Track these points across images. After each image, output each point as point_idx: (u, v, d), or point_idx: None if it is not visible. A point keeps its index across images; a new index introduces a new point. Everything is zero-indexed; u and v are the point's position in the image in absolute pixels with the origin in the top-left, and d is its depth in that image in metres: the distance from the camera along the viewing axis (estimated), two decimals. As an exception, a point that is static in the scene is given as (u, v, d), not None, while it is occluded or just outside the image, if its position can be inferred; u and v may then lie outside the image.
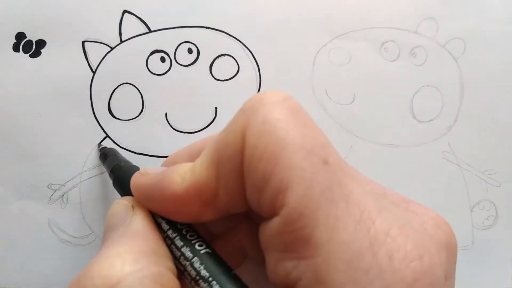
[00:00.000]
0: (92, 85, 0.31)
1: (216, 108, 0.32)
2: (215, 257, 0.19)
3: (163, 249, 0.19)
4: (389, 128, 0.33)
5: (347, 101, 0.33)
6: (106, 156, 0.28)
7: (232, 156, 0.18)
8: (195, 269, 0.18)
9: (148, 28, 0.31)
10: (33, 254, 0.30)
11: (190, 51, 0.31)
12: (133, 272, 0.17)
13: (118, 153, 0.28)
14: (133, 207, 0.21)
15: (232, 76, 0.32)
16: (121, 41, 0.31)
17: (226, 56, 0.32)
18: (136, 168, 0.24)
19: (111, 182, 0.30)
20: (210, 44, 0.32)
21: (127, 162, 0.26)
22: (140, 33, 0.31)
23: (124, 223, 0.20)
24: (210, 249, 0.19)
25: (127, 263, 0.17)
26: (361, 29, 0.33)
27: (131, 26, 0.31)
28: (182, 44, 0.31)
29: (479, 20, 0.34)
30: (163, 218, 0.20)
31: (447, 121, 0.34)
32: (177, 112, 0.31)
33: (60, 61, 0.30)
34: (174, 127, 0.31)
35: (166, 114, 0.31)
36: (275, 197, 0.16)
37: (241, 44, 0.32)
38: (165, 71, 0.31)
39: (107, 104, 0.31)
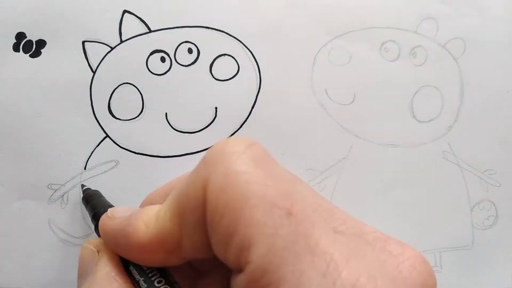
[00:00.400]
0: (92, 85, 0.31)
1: (216, 108, 0.32)
2: None
3: None
4: (389, 128, 0.33)
5: (347, 101, 0.33)
6: (89, 200, 0.28)
7: (194, 209, 0.18)
8: None
9: (148, 28, 0.31)
10: (33, 254, 0.30)
11: (190, 51, 0.31)
12: None
13: (102, 197, 0.28)
14: (98, 252, 0.21)
15: (232, 76, 0.32)
16: (121, 41, 0.31)
17: (226, 56, 0.32)
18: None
19: (111, 182, 0.30)
20: (210, 44, 0.32)
21: (109, 207, 0.26)
22: (140, 33, 0.31)
23: (92, 271, 0.21)
24: None
25: None
26: (361, 29, 0.33)
27: (131, 26, 0.31)
28: (182, 44, 0.31)
29: (479, 20, 0.34)
30: (130, 262, 0.21)
31: (447, 121, 0.34)
32: (177, 112, 0.31)
33: (60, 61, 0.30)
34: (174, 127, 0.31)
35: (166, 114, 0.31)
36: (239, 253, 0.16)
37: (241, 44, 0.32)
38: (165, 71, 0.31)
39: (107, 104, 0.31)
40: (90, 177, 0.31)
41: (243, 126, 0.32)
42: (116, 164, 0.31)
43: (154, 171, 0.31)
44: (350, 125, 0.33)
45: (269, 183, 0.17)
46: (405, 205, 0.34)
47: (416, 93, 0.33)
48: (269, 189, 0.17)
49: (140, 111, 0.31)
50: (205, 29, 0.32)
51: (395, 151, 0.33)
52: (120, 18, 0.31)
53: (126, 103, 0.31)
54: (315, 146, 0.33)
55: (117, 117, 0.31)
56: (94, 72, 0.31)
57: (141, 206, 0.24)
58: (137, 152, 0.31)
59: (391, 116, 0.33)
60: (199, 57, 0.32)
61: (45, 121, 0.30)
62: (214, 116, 0.32)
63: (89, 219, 0.31)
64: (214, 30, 0.32)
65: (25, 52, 0.30)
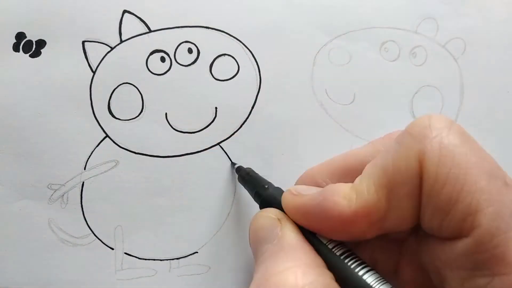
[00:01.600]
0: (92, 85, 0.31)
1: (216, 108, 0.32)
2: (369, 268, 0.20)
3: (320, 260, 0.20)
4: (389, 128, 0.33)
5: (347, 101, 0.33)
6: (246, 178, 0.29)
7: (407, 182, 0.19)
8: (358, 279, 0.19)
9: (148, 28, 0.31)
10: (33, 254, 0.30)
11: (190, 51, 0.31)
12: (307, 285, 0.18)
13: (257, 174, 0.29)
14: (279, 220, 0.22)
15: (232, 76, 0.32)
16: (121, 41, 0.31)
17: (226, 56, 0.32)
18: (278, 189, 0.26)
19: (111, 182, 0.30)
20: (210, 44, 0.32)
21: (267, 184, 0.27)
22: (140, 33, 0.31)
23: (276, 237, 0.21)
24: (362, 261, 0.20)
25: (299, 277, 0.18)
26: (361, 29, 0.33)
27: (131, 26, 0.31)
28: (182, 44, 0.31)
29: (479, 20, 0.34)
30: (315, 234, 0.21)
31: (447, 121, 0.34)
32: (177, 112, 0.31)
33: (60, 61, 0.30)
34: (174, 127, 0.31)
35: (166, 114, 0.31)
36: (463, 220, 0.18)
37: (241, 44, 0.32)
38: (165, 71, 0.31)
39: (107, 104, 0.31)
40: (90, 177, 0.31)
41: (243, 126, 0.32)
42: (116, 164, 0.31)
43: (154, 171, 0.31)
44: (350, 125, 0.33)
45: (482, 156, 0.18)
46: (405, 205, 0.34)
47: (416, 93, 0.33)
48: (485, 161, 0.18)
49: (140, 111, 0.31)
50: (205, 29, 0.32)
51: (395, 151, 0.33)
52: (120, 18, 0.31)
53: (126, 103, 0.31)
54: (315, 146, 0.33)
55: (117, 117, 0.31)
56: (94, 72, 0.31)
57: (299, 182, 0.25)
58: (137, 152, 0.31)
59: (391, 116, 0.33)
60: (199, 57, 0.32)
61: (45, 121, 0.30)
62: (214, 116, 0.32)
63: (89, 219, 0.31)
64: (214, 30, 0.32)
65: (25, 52, 0.30)
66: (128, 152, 0.31)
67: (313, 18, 0.32)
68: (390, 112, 0.33)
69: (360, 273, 0.19)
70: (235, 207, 0.32)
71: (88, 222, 0.31)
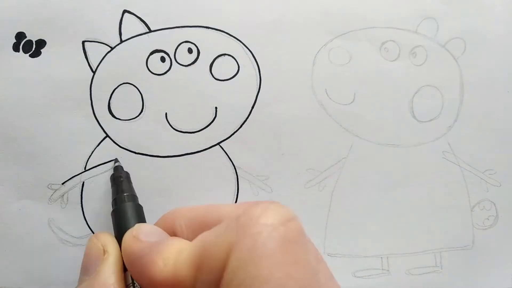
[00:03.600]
0: (92, 85, 0.31)
1: (216, 108, 0.32)
2: None
3: None
4: (389, 128, 0.33)
5: (347, 101, 0.33)
6: (116, 181, 0.29)
7: (213, 268, 0.18)
8: None
9: (148, 28, 0.31)
10: (33, 254, 0.30)
11: (190, 51, 0.31)
12: None
13: (130, 182, 0.29)
14: (104, 251, 0.22)
15: (232, 76, 0.32)
16: (121, 41, 0.31)
17: (226, 56, 0.32)
18: (138, 209, 0.26)
19: (110, 182, 0.30)
20: (210, 44, 0.32)
21: (132, 198, 0.27)
22: (140, 33, 0.31)
23: (94, 270, 0.22)
24: None
25: None
26: (361, 29, 0.33)
27: (131, 26, 0.31)
28: (182, 44, 0.31)
29: (479, 20, 0.34)
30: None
31: (447, 121, 0.34)
32: (177, 112, 0.31)
33: (60, 61, 0.30)
34: (174, 127, 0.31)
35: (166, 114, 0.31)
36: None
37: (241, 44, 0.32)
38: (165, 71, 0.31)
39: (107, 104, 0.31)
40: (90, 177, 0.31)
41: (243, 126, 0.32)
42: (116, 164, 0.31)
43: (154, 171, 0.31)
44: (350, 125, 0.33)
45: (292, 273, 0.16)
46: (405, 205, 0.34)
47: (416, 93, 0.33)
48: (290, 281, 0.16)
49: (140, 111, 0.31)
50: (205, 29, 0.32)
51: (395, 151, 0.33)
52: (120, 18, 0.31)
53: (126, 103, 0.31)
54: (315, 146, 0.33)
55: (117, 117, 0.31)
56: (94, 72, 0.31)
57: (160, 221, 0.25)
58: (137, 152, 0.31)
59: (391, 116, 0.33)
60: (199, 57, 0.32)
61: (45, 121, 0.30)
62: (214, 116, 0.32)
63: (89, 219, 0.31)
64: (214, 30, 0.32)
65: (25, 52, 0.30)
66: (128, 152, 0.31)
67: (313, 18, 0.32)
68: (390, 112, 0.33)
69: None
70: (235, 207, 0.32)
71: (88, 222, 0.31)
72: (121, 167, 0.30)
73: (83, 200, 0.31)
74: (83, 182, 0.31)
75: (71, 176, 0.31)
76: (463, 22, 0.34)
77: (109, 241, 0.23)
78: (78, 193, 0.31)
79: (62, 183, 0.30)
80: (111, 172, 0.30)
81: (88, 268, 0.22)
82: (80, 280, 0.22)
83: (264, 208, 0.18)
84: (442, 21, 0.33)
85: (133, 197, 0.27)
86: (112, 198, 0.27)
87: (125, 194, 0.27)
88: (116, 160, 0.30)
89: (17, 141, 0.30)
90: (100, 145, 0.31)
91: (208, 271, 0.18)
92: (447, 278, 0.34)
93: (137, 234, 0.22)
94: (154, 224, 0.24)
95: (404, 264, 0.34)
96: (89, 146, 0.31)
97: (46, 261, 0.30)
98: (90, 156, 0.31)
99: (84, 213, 0.31)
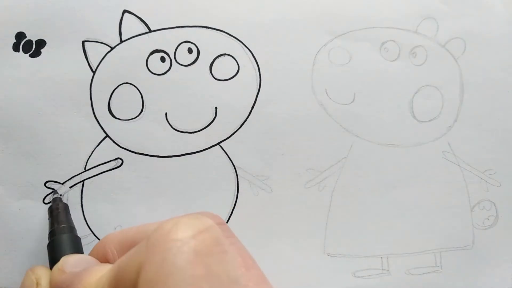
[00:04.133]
0: (92, 85, 0.31)
1: (216, 108, 0.32)
2: None
3: None
4: (389, 128, 0.33)
5: (347, 101, 0.33)
6: (53, 212, 0.29)
7: None
8: None
9: (148, 28, 0.31)
10: (33, 254, 0.30)
11: (190, 51, 0.31)
12: None
13: (68, 214, 0.29)
14: (37, 284, 0.23)
15: (232, 76, 0.32)
16: (121, 41, 0.31)
17: (226, 56, 0.32)
18: (75, 240, 0.27)
19: (111, 182, 0.30)
20: (210, 44, 0.32)
21: (69, 229, 0.27)
22: (140, 33, 0.31)
23: None
24: None
25: None
26: (361, 29, 0.33)
27: (131, 26, 0.31)
28: (182, 44, 0.31)
29: (479, 20, 0.34)
30: None
31: (447, 121, 0.34)
32: (177, 112, 0.31)
33: (60, 61, 0.30)
34: (174, 127, 0.31)
35: (166, 114, 0.31)
36: None
37: (241, 44, 0.32)
38: (165, 71, 0.31)
39: (107, 104, 0.31)
40: (90, 177, 0.31)
41: (243, 126, 0.32)
42: (116, 164, 0.31)
43: (154, 171, 0.31)
44: (350, 125, 0.33)
45: (203, 286, 0.16)
46: (405, 205, 0.34)
47: (416, 93, 0.33)
48: None
49: (140, 111, 0.31)
50: (205, 29, 0.32)
51: (395, 151, 0.33)
52: (120, 18, 0.31)
53: (126, 103, 0.31)
54: (315, 146, 0.33)
55: (117, 117, 0.31)
56: (94, 72, 0.31)
57: (94, 249, 0.25)
58: (137, 152, 0.31)
59: (391, 116, 0.33)
60: (199, 57, 0.32)
61: (45, 120, 0.30)
62: (214, 116, 0.32)
63: (89, 219, 0.31)
64: (214, 30, 0.32)
65: (25, 52, 0.30)
66: (128, 152, 0.31)
67: (313, 18, 0.32)
68: (390, 112, 0.33)
69: None
70: (235, 207, 0.32)
71: (88, 222, 0.31)
72: (60, 198, 0.30)
73: (83, 200, 0.31)
74: (83, 182, 0.31)
75: (71, 176, 0.31)
76: (463, 22, 0.34)
77: (43, 274, 0.24)
78: (78, 193, 0.31)
79: (62, 183, 0.30)
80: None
81: None
82: None
83: (175, 222, 0.17)
84: (442, 21, 0.33)
85: (70, 229, 0.27)
86: (49, 230, 0.28)
87: (61, 226, 0.27)
88: (55, 192, 0.30)
89: (17, 141, 0.30)
90: (100, 145, 0.31)
91: None
92: (447, 278, 0.34)
93: (61, 266, 0.23)
94: (90, 253, 0.25)
95: (404, 264, 0.34)
96: (89, 146, 0.31)
97: (46, 261, 0.30)
98: (90, 156, 0.31)
99: (84, 213, 0.31)
